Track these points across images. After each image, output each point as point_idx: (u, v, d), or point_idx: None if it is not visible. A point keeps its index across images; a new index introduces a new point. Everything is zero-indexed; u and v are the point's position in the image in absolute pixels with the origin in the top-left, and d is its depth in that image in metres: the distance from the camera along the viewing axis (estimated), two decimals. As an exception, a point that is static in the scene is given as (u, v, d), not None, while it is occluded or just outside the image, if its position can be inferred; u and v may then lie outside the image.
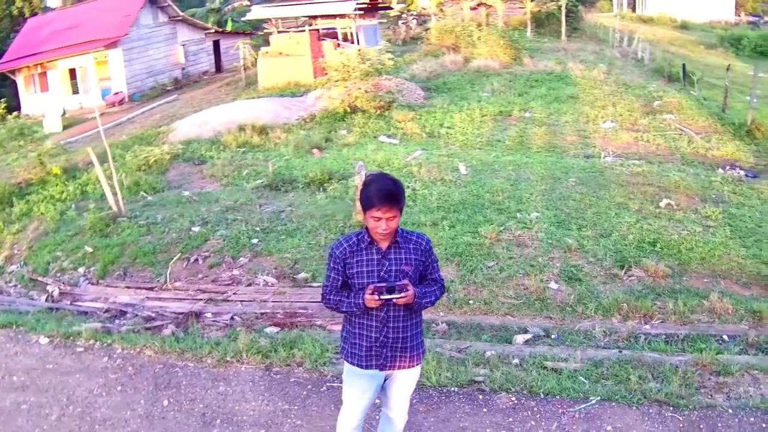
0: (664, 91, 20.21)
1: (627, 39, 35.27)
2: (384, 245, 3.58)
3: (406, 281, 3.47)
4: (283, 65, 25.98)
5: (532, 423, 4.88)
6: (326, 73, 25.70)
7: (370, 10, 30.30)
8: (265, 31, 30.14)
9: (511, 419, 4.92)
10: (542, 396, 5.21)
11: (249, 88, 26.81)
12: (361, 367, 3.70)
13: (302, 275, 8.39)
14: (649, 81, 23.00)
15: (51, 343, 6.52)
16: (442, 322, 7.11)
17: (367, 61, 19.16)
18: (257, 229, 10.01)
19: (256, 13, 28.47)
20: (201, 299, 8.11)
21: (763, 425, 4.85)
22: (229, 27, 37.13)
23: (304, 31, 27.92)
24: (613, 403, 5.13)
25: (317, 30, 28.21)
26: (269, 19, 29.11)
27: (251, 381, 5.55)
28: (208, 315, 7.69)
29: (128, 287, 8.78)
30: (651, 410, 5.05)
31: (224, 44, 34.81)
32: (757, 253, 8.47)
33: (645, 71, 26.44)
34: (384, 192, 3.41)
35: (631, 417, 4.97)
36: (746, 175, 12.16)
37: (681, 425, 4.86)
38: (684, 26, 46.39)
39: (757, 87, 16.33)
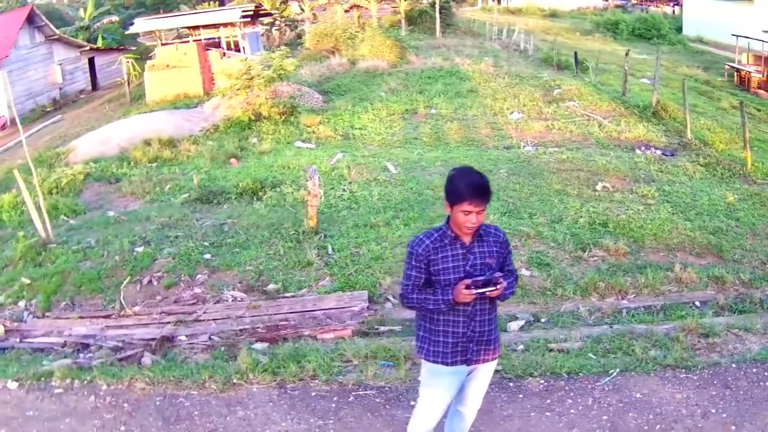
0: (559, 79, 21.24)
1: (505, 31, 36.82)
2: (467, 240, 3.53)
3: (499, 274, 3.45)
4: (171, 78, 25.09)
5: (569, 401, 5.02)
6: (214, 83, 25.18)
7: (253, 17, 29.86)
8: (149, 44, 28.94)
9: (548, 401, 5.03)
10: (566, 376, 5.37)
11: (136, 103, 25.63)
12: (446, 364, 3.64)
13: (272, 287, 8.09)
14: (539, 71, 24.10)
15: (22, 388, 5.80)
16: (432, 318, 7.10)
17: (269, 67, 18.82)
18: (205, 243, 9.55)
19: (140, 25, 27.18)
20: (168, 322, 7.60)
21: (766, 373, 5.30)
22: (99, 43, 35.50)
23: (188, 42, 27.07)
24: (633, 373, 5.38)
25: (200, 40, 27.43)
26: (153, 32, 28.02)
27: (270, 401, 5.26)
28: (182, 338, 7.23)
29: (81, 317, 8.07)
30: (666, 374, 5.36)
31: (99, 61, 33.47)
32: (702, 225, 9.14)
33: (531, 61, 27.71)
34: (476, 186, 3.38)
35: (652, 383, 5.23)
36: (663, 154, 13.02)
37: (697, 384, 5.20)
38: (553, 14, 48.85)
39: (647, 70, 17.51)
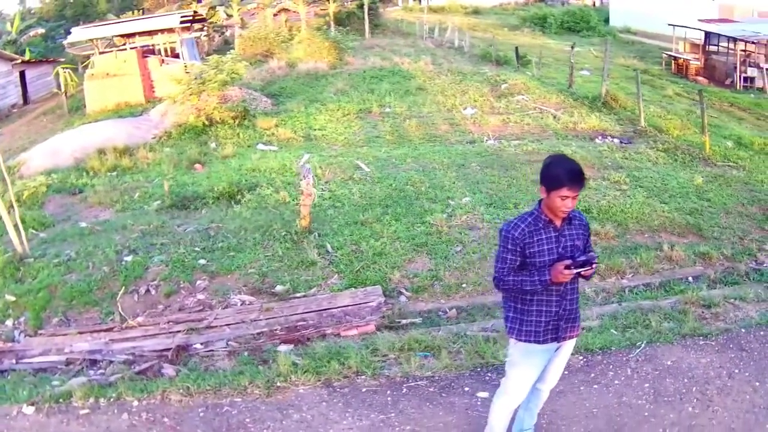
0: (503, 74, 21.82)
1: (437, 30, 37.53)
2: (558, 223, 3.76)
3: (595, 255, 3.69)
4: (111, 86, 24.36)
5: (611, 373, 5.35)
6: (154, 90, 24.66)
7: (191, 23, 29.35)
8: (84, 53, 28.04)
9: (593, 374, 5.34)
10: (600, 351, 5.70)
11: (76, 113, 24.78)
12: (539, 342, 3.85)
13: (280, 288, 8.10)
14: (479, 67, 24.66)
15: (40, 412, 5.43)
16: (449, 309, 7.31)
17: (222, 71, 18.58)
18: (196, 249, 9.42)
19: (78, 34, 26.25)
20: (179, 331, 7.48)
21: (773, 334, 5.81)
22: (27, 56, 34.24)
23: (124, 49, 26.35)
24: (658, 344, 5.79)
25: (136, 47, 26.75)
26: (80, 42, 27.11)
27: (323, 401, 5.26)
28: (198, 346, 7.15)
29: (81, 332, 7.82)
30: (687, 343, 5.80)
31: (29, 74, 32.41)
32: (677, 206, 9.73)
33: (469, 58, 28.31)
34: (575, 173, 3.60)
35: (678, 351, 5.65)
36: (621, 142, 13.65)
37: (716, 348, 5.66)
38: (476, 12, 49.92)
39: (584, 62, 18.25)
